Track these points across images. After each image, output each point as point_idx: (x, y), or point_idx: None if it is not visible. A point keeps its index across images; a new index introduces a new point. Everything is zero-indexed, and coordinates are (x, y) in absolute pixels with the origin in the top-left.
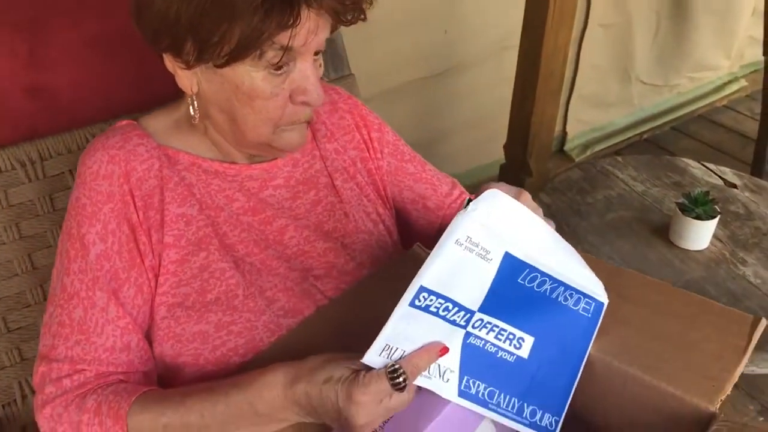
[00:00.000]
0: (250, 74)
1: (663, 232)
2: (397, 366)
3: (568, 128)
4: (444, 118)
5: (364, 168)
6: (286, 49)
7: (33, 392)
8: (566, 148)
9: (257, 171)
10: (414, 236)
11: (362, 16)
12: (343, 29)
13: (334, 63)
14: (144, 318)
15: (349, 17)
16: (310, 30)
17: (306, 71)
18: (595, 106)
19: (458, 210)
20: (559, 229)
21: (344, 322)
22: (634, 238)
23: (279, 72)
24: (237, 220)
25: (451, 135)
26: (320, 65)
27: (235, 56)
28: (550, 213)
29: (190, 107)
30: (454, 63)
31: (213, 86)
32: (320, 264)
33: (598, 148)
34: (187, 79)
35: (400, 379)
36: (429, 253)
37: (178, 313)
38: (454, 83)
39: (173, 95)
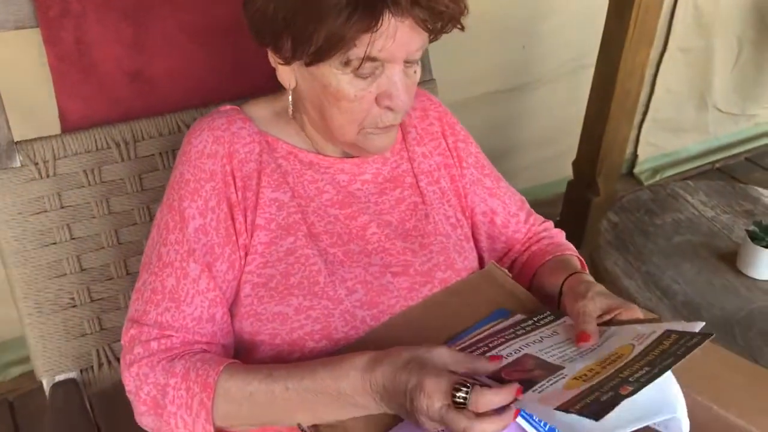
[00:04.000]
0: (336, 76)
1: (730, 259)
2: (466, 384)
3: (639, 151)
4: (516, 131)
5: (447, 174)
6: (366, 59)
7: (109, 362)
8: (636, 170)
9: (348, 165)
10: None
11: (459, 26)
12: None
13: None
14: (231, 293)
15: (439, 26)
16: (397, 40)
17: (393, 77)
18: (669, 131)
19: (523, 233)
20: (625, 249)
21: (417, 331)
22: (700, 263)
23: (365, 76)
24: (325, 211)
25: (521, 149)
26: (415, 72)
27: (320, 56)
28: (616, 232)
29: (289, 101)
30: (529, 78)
31: (306, 83)
32: (398, 261)
33: (668, 173)
34: (285, 74)
35: (460, 393)
36: (504, 272)
37: (261, 292)
38: (528, 98)
39: (265, 88)
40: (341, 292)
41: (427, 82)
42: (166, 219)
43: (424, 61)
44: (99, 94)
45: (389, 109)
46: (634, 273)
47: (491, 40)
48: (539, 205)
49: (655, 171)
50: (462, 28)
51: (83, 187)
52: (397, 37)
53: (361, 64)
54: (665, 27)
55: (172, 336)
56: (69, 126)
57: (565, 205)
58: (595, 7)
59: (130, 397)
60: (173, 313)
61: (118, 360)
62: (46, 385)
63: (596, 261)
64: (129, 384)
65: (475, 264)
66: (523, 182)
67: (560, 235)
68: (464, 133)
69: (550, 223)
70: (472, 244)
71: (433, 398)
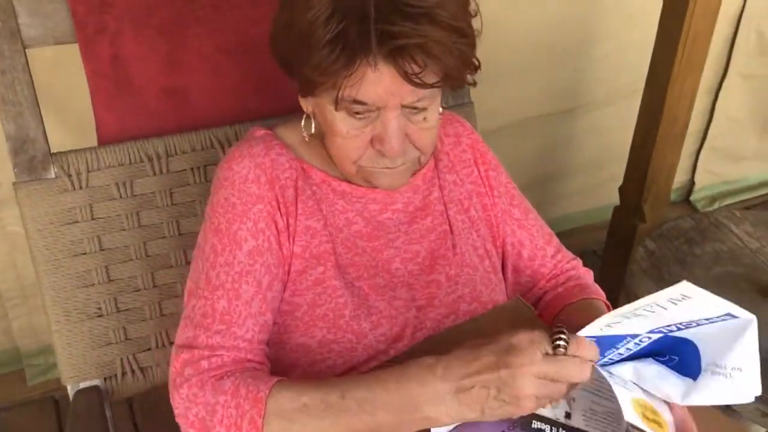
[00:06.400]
0: (331, 112)
1: None
2: (562, 332)
3: (697, 178)
4: (565, 155)
5: (479, 203)
6: (353, 101)
7: (132, 371)
8: (692, 198)
9: (381, 195)
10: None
11: (469, 83)
12: None
13: (454, 90)
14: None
15: (433, 82)
16: (381, 88)
17: (386, 123)
18: (728, 159)
19: (549, 268)
20: (659, 278)
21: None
22: (738, 296)
23: (359, 117)
24: (353, 243)
25: (572, 172)
26: (425, 119)
27: (308, 90)
28: (652, 260)
29: (308, 125)
30: (581, 102)
31: (317, 113)
32: (423, 295)
33: (727, 201)
34: (303, 102)
35: (560, 341)
36: (529, 307)
37: (288, 321)
38: (579, 122)
39: (297, 107)
40: (365, 326)
41: (464, 105)
42: (213, 242)
43: (464, 98)
44: (134, 109)
45: (380, 153)
46: None
47: (542, 62)
48: (588, 231)
49: (713, 199)
50: (474, 84)
51: (115, 199)
52: (377, 84)
53: (338, 105)
54: (725, 53)
55: (223, 354)
56: (105, 138)
57: (611, 231)
58: (653, 33)
59: (180, 421)
60: (223, 335)
61: (142, 370)
62: (71, 390)
63: (629, 289)
64: (179, 406)
65: (503, 297)
66: (573, 206)
67: (588, 275)
68: (495, 163)
69: (578, 261)
70: (500, 276)
71: (534, 349)
